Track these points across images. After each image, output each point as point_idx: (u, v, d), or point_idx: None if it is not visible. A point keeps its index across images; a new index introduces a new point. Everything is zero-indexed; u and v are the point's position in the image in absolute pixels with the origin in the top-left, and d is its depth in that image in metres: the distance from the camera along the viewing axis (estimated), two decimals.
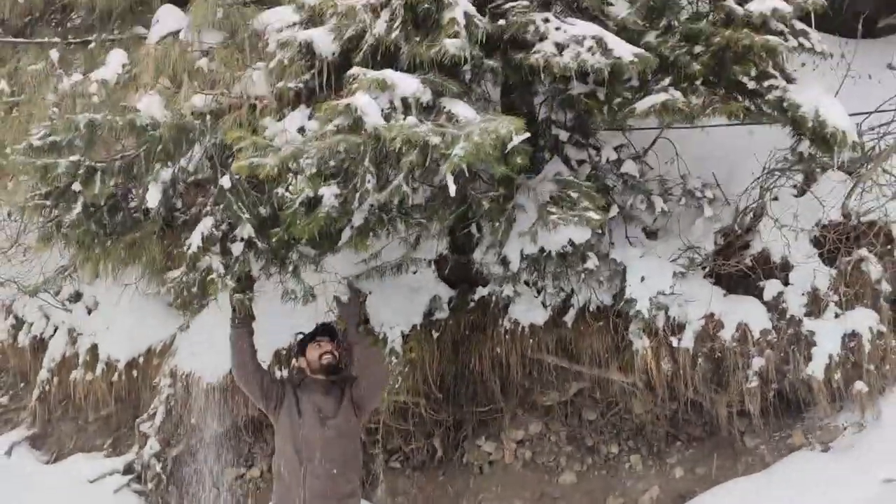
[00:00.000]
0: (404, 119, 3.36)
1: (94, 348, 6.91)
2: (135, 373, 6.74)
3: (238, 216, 3.85)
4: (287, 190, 3.44)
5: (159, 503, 6.38)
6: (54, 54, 4.76)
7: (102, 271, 4.97)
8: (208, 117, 3.94)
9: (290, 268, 4.32)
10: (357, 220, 3.70)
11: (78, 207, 4.04)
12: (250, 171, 3.37)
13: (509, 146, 3.34)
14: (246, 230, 3.96)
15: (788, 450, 4.93)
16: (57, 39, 5.44)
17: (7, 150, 4.68)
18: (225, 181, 3.84)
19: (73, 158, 3.87)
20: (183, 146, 3.92)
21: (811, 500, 4.22)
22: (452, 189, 3.25)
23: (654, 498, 5.27)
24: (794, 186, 5.23)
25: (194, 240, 4.00)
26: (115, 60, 4.46)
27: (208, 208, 4.02)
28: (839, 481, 4.30)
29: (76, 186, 3.98)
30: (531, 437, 5.78)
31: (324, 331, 4.56)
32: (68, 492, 6.27)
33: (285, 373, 5.88)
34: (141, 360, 6.75)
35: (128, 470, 6.43)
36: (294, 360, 4.39)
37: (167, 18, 4.98)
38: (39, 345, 7.38)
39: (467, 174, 3.38)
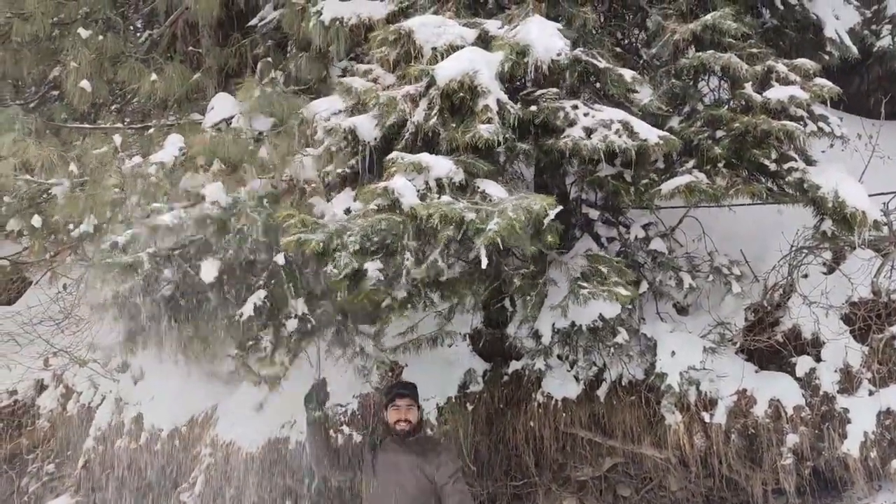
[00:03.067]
0: (439, 198, 3.59)
1: (139, 417, 7.09)
2: (177, 442, 6.90)
3: (291, 292, 4.06)
4: (334, 267, 3.64)
5: None
6: (117, 139, 5.11)
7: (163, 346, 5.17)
8: (265, 200, 4.20)
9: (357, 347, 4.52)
10: (399, 293, 3.88)
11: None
12: (298, 246, 3.59)
13: (545, 222, 3.53)
14: (299, 305, 4.16)
15: None
16: (119, 125, 5.84)
17: (70, 227, 5.01)
18: (279, 259, 4.06)
19: (149, 250, 4.11)
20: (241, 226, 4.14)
21: None
22: (485, 262, 3.42)
23: None
24: (823, 264, 5.32)
25: (246, 309, 4.19)
26: (173, 144, 4.76)
27: (261, 282, 4.23)
28: None
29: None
30: None
31: (402, 391, 4.57)
32: None
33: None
34: (183, 429, 6.92)
35: None
36: (381, 413, 4.65)
37: (221, 106, 5.35)
38: (87, 414, 7.60)
39: (501, 249, 3.56)
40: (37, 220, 5.08)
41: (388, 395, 4.57)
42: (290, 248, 3.61)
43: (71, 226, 4.89)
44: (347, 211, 3.89)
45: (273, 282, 4.12)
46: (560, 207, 3.66)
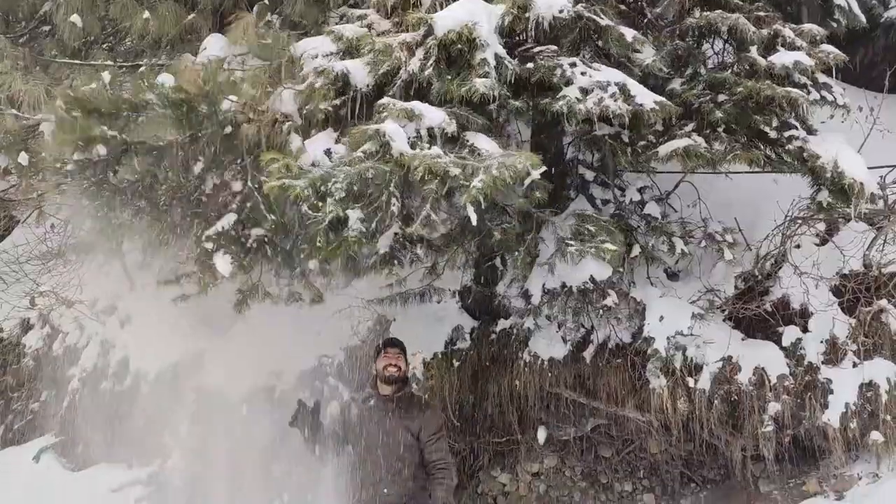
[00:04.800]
0: (429, 148, 3.52)
1: (124, 360, 7.10)
2: (162, 386, 6.90)
3: (264, 217, 4.00)
4: (310, 209, 3.58)
5: None
6: (106, 76, 4.99)
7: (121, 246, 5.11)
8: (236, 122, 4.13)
9: (298, 270, 4.49)
10: (382, 246, 3.84)
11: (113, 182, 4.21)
12: (281, 192, 3.52)
13: (526, 182, 3.48)
14: (260, 231, 4.12)
15: (802, 497, 4.93)
16: (110, 62, 5.71)
17: (59, 165, 4.91)
18: (254, 183, 4.00)
19: (112, 133, 4.04)
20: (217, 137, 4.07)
21: None
22: (474, 218, 3.38)
23: None
24: (817, 235, 5.30)
25: (214, 229, 4.15)
26: (164, 83, 4.66)
27: (234, 206, 4.18)
28: None
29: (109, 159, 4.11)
30: (546, 471, 5.82)
31: (393, 343, 4.75)
32: (91, 500, 6.38)
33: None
34: (169, 373, 6.92)
35: (150, 481, 6.53)
36: (371, 366, 4.83)
37: (214, 46, 5.22)
38: (73, 355, 7.59)
39: (493, 206, 3.51)
40: (24, 158, 4.98)
41: (378, 347, 4.73)
42: (274, 193, 3.55)
43: (59, 164, 4.79)
44: (328, 152, 3.81)
45: (248, 205, 4.07)
46: (544, 168, 3.59)
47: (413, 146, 3.54)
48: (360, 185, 3.47)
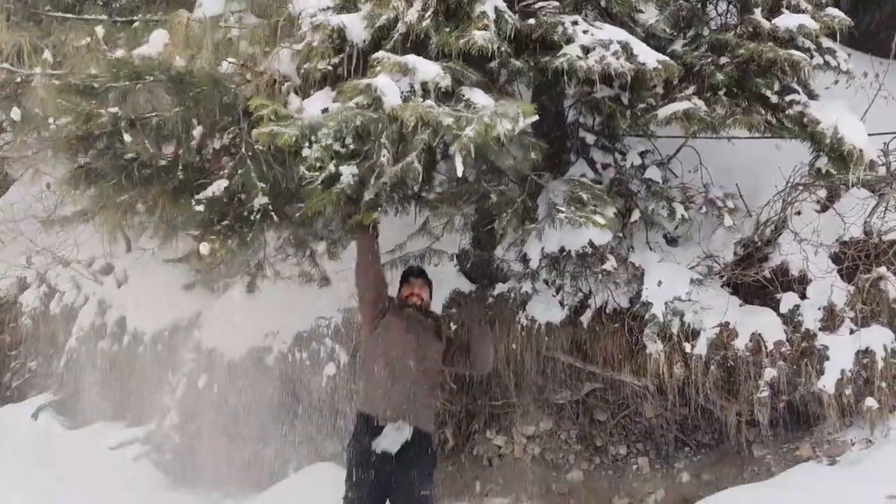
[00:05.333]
0: (422, 102, 3.46)
1: (121, 320, 7.12)
2: (160, 346, 6.94)
3: (253, 184, 3.96)
4: (307, 169, 3.54)
5: (176, 474, 6.54)
6: (99, 31, 4.89)
7: (121, 224, 5.10)
8: (234, 85, 4.07)
9: (308, 252, 4.43)
10: (368, 194, 3.78)
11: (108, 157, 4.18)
12: (270, 139, 3.47)
13: (517, 128, 3.40)
14: (261, 200, 4.08)
15: (795, 461, 4.94)
16: (104, 17, 5.60)
17: (49, 121, 4.86)
18: (248, 149, 3.96)
19: (113, 110, 4.01)
20: (215, 104, 4.02)
21: None
22: (459, 169, 3.33)
23: (659, 500, 5.33)
24: (817, 202, 5.25)
25: (204, 194, 4.12)
26: (158, 39, 4.57)
27: (225, 172, 4.15)
28: (843, 495, 4.30)
29: (113, 137, 4.10)
30: (541, 434, 5.86)
31: (417, 272, 4.74)
32: (89, 457, 6.45)
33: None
34: (167, 334, 6.95)
35: (147, 440, 6.60)
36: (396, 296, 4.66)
37: (210, 1, 5.12)
38: (70, 314, 7.62)
39: (489, 168, 3.45)
40: (16, 113, 4.91)
41: (402, 276, 4.69)
42: (263, 141, 3.49)
43: (51, 120, 4.74)
44: (325, 111, 3.75)
45: (239, 171, 4.02)
46: (536, 116, 3.52)
47: (406, 101, 3.48)
48: (348, 133, 3.41)
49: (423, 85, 3.57)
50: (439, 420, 6.04)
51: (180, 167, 4.32)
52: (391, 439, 4.18)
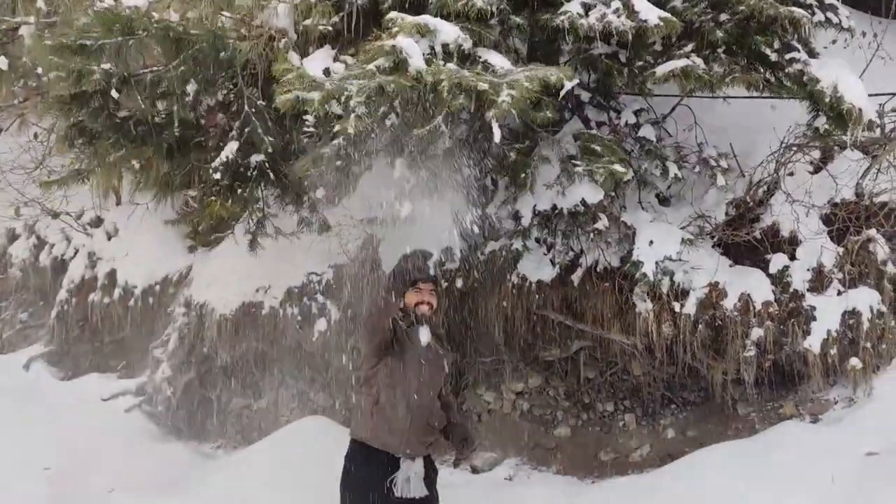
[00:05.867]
0: (444, 65, 3.40)
1: (112, 273, 7.11)
2: (150, 300, 6.94)
3: (261, 139, 3.92)
4: (319, 125, 3.50)
5: (168, 425, 6.60)
6: None
7: (116, 182, 5.07)
8: (232, 40, 4.00)
9: (306, 200, 4.41)
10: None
11: (102, 115, 4.13)
12: (295, 105, 3.38)
13: (562, 93, 3.36)
14: (258, 157, 4.04)
15: (779, 419, 5.03)
16: None
17: (39, 72, 4.78)
18: (251, 106, 3.91)
19: (105, 66, 3.94)
20: (211, 61, 3.96)
21: (794, 466, 4.32)
22: (497, 135, 3.29)
23: (644, 455, 5.43)
24: (811, 163, 5.26)
25: (219, 160, 4.08)
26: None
27: (234, 133, 4.10)
28: (824, 451, 4.40)
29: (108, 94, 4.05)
30: (530, 390, 5.93)
31: (427, 276, 3.85)
32: (82, 408, 6.49)
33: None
34: (157, 287, 6.95)
35: (139, 392, 6.64)
36: (392, 297, 3.69)
37: None
38: (60, 266, 7.60)
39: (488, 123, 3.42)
40: (3, 62, 4.83)
41: (407, 278, 3.78)
42: (287, 107, 3.40)
43: (40, 70, 4.66)
44: (326, 71, 3.70)
45: (247, 129, 3.99)
46: (577, 80, 3.50)
47: (428, 63, 3.39)
48: (377, 100, 3.34)
49: (444, 47, 3.49)
50: None
51: (176, 125, 4.27)
52: (414, 483, 3.70)
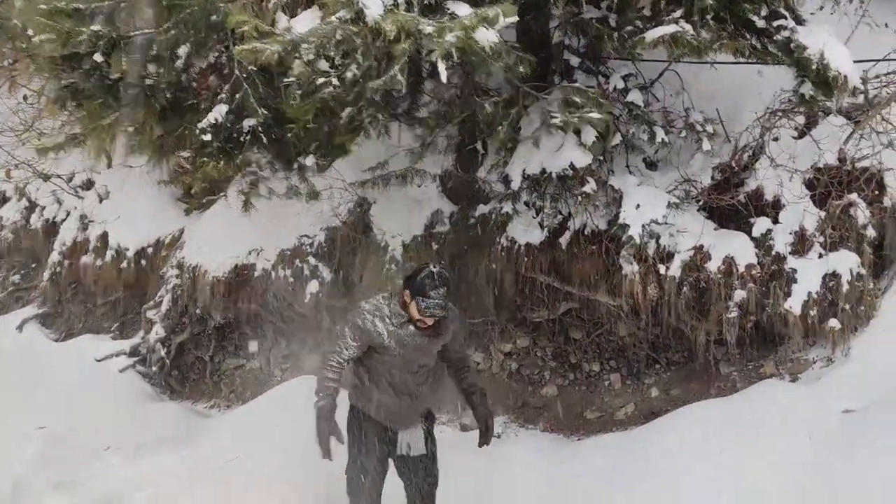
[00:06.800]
0: (400, 13, 3.45)
1: (104, 236, 7.13)
2: (143, 262, 6.99)
3: (254, 109, 3.95)
4: (280, 75, 3.54)
5: (162, 385, 6.70)
6: None
7: (108, 145, 5.07)
8: (224, 3, 4.01)
9: (296, 166, 4.45)
10: (349, 111, 3.78)
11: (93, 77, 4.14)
12: (252, 56, 3.45)
13: (497, 27, 3.39)
14: (250, 121, 4.06)
15: (759, 378, 5.16)
16: None
17: (30, 34, 4.76)
18: (242, 70, 3.93)
19: (95, 28, 3.95)
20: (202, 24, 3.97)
21: (772, 423, 4.46)
22: (444, 75, 3.33)
23: (629, 413, 5.57)
24: (795, 128, 5.34)
25: (207, 121, 4.11)
26: None
27: (223, 95, 4.12)
28: (802, 409, 4.53)
29: (97, 57, 4.06)
30: (518, 351, 6.04)
31: (440, 310, 3.61)
32: (76, 368, 6.56)
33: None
34: (150, 250, 6.99)
35: (133, 352, 6.71)
36: (405, 294, 3.65)
37: None
38: (51, 228, 7.62)
39: (473, 82, 3.46)
40: None
41: (423, 295, 3.56)
42: (245, 58, 3.47)
43: (30, 31, 4.65)
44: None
45: (237, 94, 4.02)
46: (517, 18, 3.51)
47: (388, 13, 3.45)
48: (331, 49, 3.40)
49: None
50: None
51: (166, 87, 4.28)
52: (414, 446, 3.84)
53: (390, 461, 3.91)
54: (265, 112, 4.01)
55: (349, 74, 3.63)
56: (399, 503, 4.08)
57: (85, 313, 7.37)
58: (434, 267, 3.63)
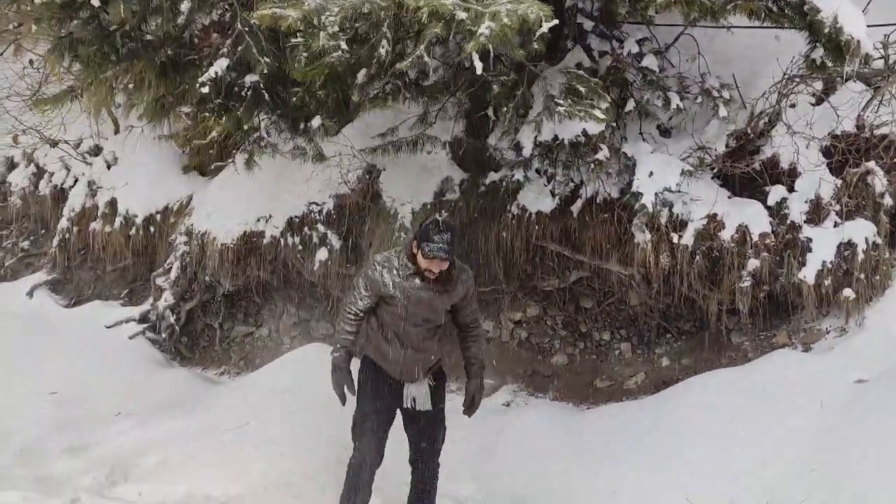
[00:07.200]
0: None
1: (112, 202, 7.11)
2: (152, 229, 6.97)
3: (256, 60, 3.88)
4: (302, 45, 3.47)
5: (172, 352, 6.71)
6: None
7: (108, 102, 4.99)
8: None
9: (301, 126, 4.39)
10: (361, 78, 3.70)
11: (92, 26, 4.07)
12: (272, 22, 3.39)
13: (537, 33, 3.36)
14: (254, 78, 4.00)
15: (771, 348, 5.13)
16: None
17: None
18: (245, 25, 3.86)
19: None
20: None
21: (785, 393, 4.44)
22: (479, 67, 3.28)
23: (639, 383, 5.56)
24: (813, 95, 5.24)
25: (207, 76, 4.05)
26: None
27: (224, 50, 4.05)
28: (814, 379, 4.51)
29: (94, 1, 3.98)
30: (529, 320, 6.03)
31: (445, 253, 3.63)
32: (86, 334, 6.57)
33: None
34: (158, 216, 6.97)
35: (143, 319, 6.72)
36: (412, 244, 3.73)
37: None
38: (60, 195, 7.60)
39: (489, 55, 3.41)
40: None
41: (427, 240, 3.64)
42: (264, 22, 3.41)
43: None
44: None
45: (239, 48, 3.95)
46: (556, 21, 3.47)
47: None
48: (354, 21, 3.33)
49: None
50: None
51: (166, 42, 4.21)
52: (420, 401, 3.94)
53: (398, 412, 4.01)
54: (267, 61, 3.93)
55: (382, 51, 3.56)
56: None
57: (94, 280, 7.38)
58: (439, 216, 3.77)
